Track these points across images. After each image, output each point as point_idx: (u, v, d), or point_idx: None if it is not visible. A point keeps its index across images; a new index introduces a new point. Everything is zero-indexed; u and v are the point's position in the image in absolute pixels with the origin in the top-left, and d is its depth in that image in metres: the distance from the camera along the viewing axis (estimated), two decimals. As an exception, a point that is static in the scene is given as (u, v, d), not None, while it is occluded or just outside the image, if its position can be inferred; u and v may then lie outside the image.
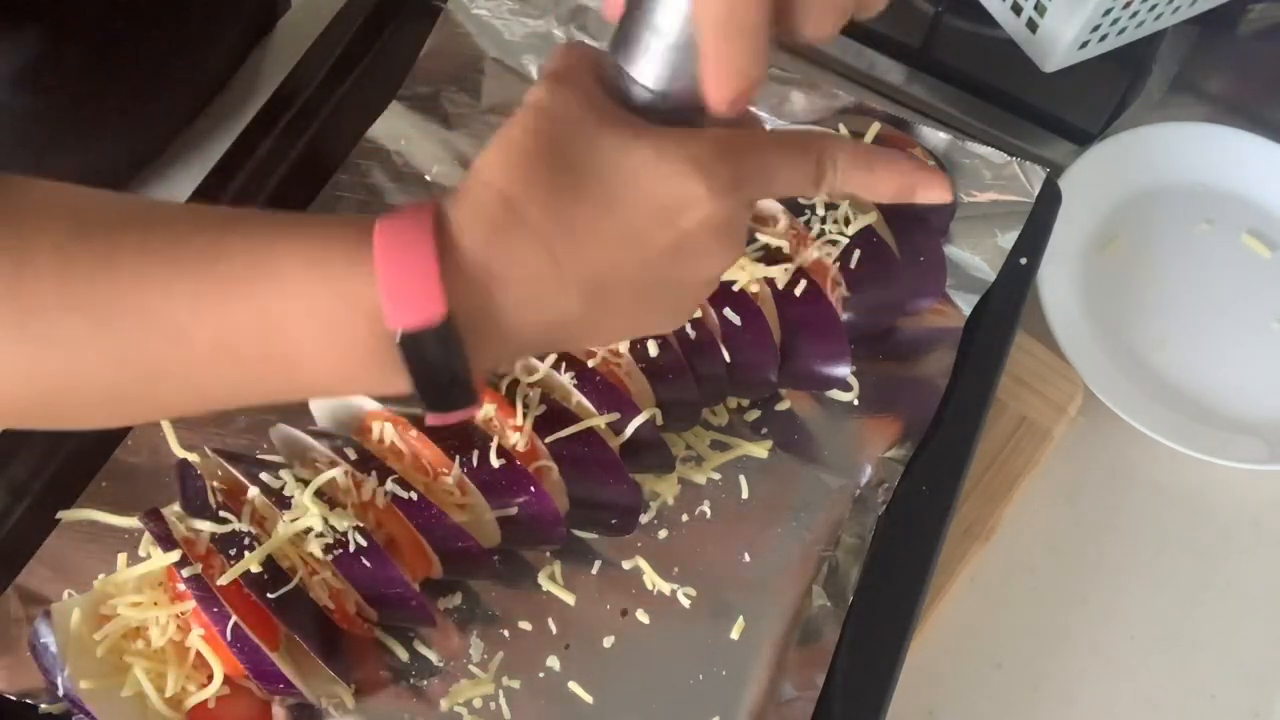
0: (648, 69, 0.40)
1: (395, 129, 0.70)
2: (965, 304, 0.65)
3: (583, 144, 0.38)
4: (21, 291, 0.36)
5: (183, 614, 0.52)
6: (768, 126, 0.70)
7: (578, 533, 0.59)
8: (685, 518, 0.61)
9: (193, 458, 0.57)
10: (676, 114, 0.40)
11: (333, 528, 0.52)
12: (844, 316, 0.62)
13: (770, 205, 0.62)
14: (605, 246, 0.38)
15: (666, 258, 0.39)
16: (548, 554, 0.59)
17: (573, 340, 0.44)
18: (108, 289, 0.36)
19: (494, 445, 0.54)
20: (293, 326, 0.37)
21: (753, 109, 0.44)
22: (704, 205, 0.38)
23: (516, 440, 0.55)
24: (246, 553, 0.51)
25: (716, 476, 0.62)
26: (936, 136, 0.68)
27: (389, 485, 0.53)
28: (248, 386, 0.39)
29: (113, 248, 0.37)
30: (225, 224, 0.38)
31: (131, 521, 0.57)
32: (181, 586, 0.51)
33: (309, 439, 0.56)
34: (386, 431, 0.55)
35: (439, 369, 0.37)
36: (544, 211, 0.37)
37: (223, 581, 0.50)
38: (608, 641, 0.58)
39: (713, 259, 0.41)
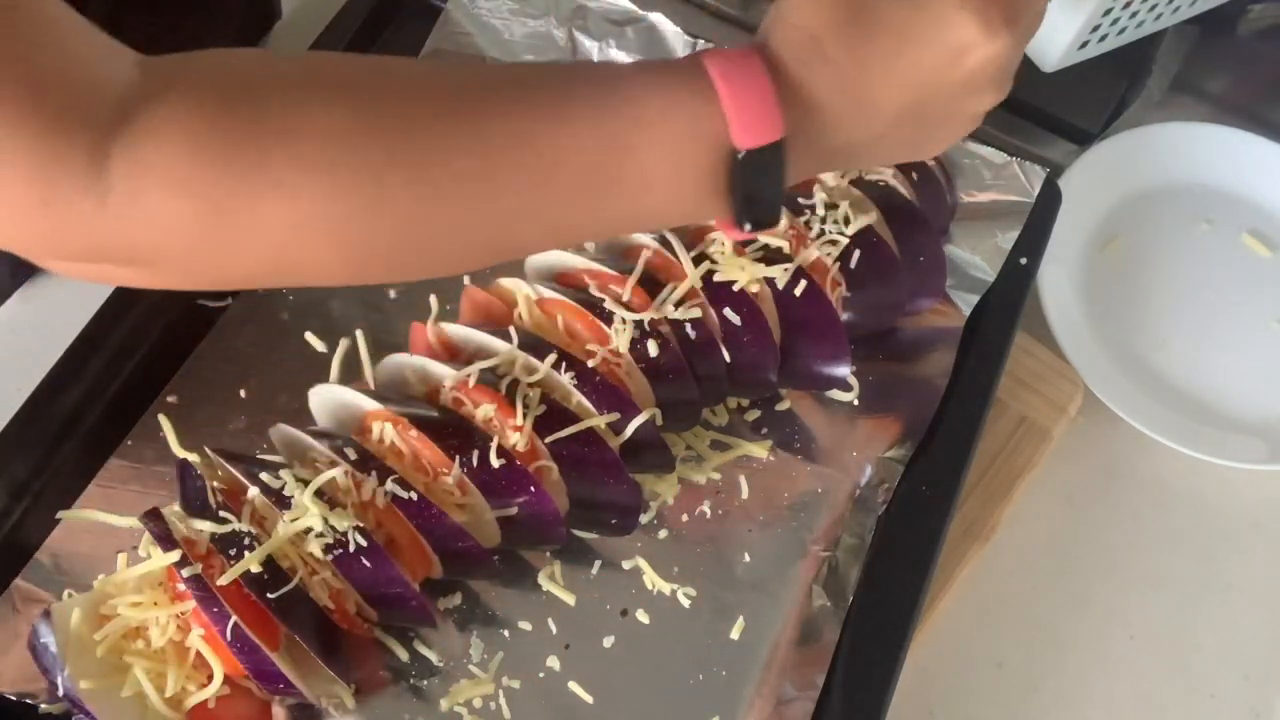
0: None
1: (395, 129, 0.70)
2: (965, 304, 0.65)
3: None
4: (415, 137, 0.39)
5: (183, 614, 0.52)
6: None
7: (578, 533, 0.59)
8: (685, 518, 0.61)
9: (193, 458, 0.57)
10: None
11: (333, 528, 0.52)
12: (844, 316, 0.62)
13: (770, 205, 0.62)
14: (897, 83, 0.43)
15: (950, 93, 0.44)
16: (548, 554, 0.59)
17: (859, 159, 0.48)
18: (489, 131, 0.40)
19: (494, 445, 0.54)
20: (646, 150, 0.42)
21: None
22: (984, 47, 0.42)
23: (516, 440, 0.55)
24: (246, 553, 0.51)
25: (716, 476, 0.62)
26: (936, 136, 0.68)
27: (389, 485, 0.53)
28: (600, 212, 0.43)
29: (479, 96, 0.41)
30: (563, 70, 0.44)
31: (131, 521, 0.57)
32: (181, 586, 0.51)
33: (309, 439, 0.56)
34: (386, 431, 0.55)
35: (765, 187, 0.43)
36: (845, 50, 0.42)
37: (223, 581, 0.50)
38: (608, 641, 0.58)
39: (989, 95, 0.45)
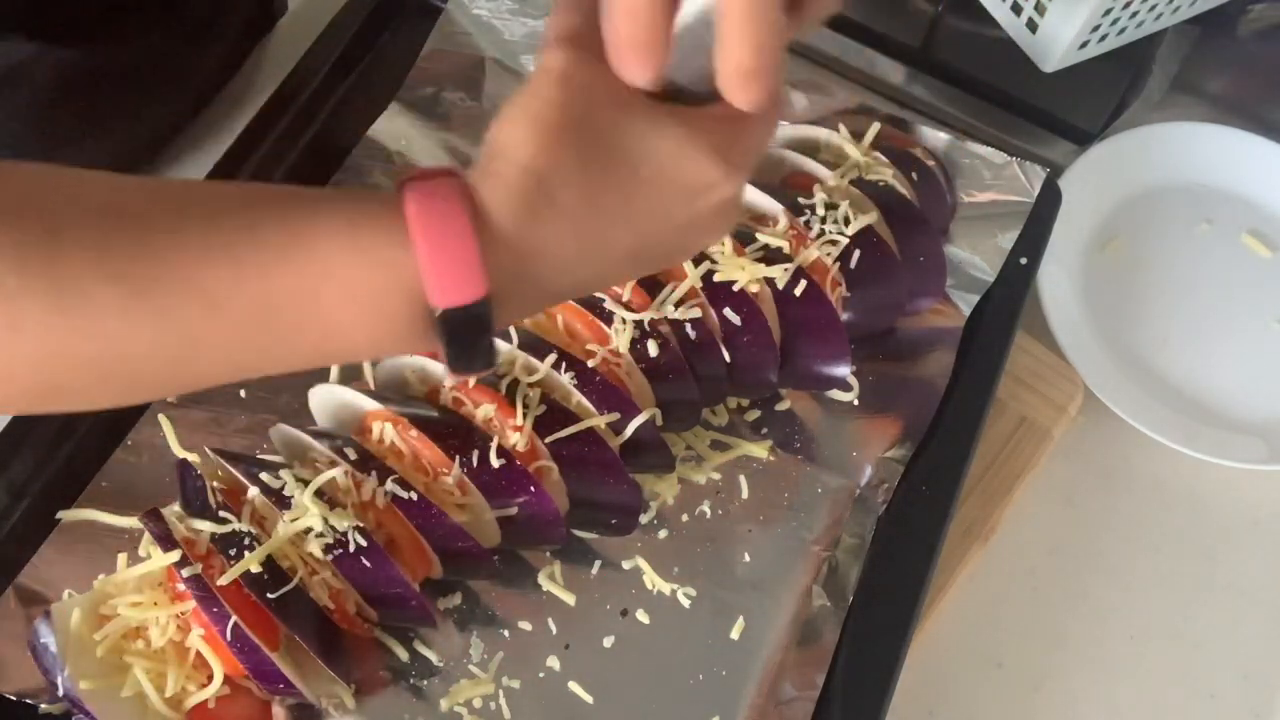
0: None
1: (395, 129, 0.70)
2: (965, 304, 0.65)
3: (609, 122, 0.39)
4: (58, 262, 0.35)
5: (183, 614, 0.52)
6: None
7: (578, 533, 0.59)
8: (685, 518, 0.61)
9: (193, 458, 0.57)
10: (681, 97, 0.40)
11: (333, 528, 0.52)
12: (844, 316, 0.62)
13: (770, 205, 0.62)
14: (633, 226, 0.40)
15: (680, 233, 0.41)
16: (548, 554, 0.59)
17: (578, 294, 0.45)
18: (146, 259, 0.36)
19: (494, 445, 0.54)
20: (329, 297, 0.37)
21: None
22: (721, 188, 0.40)
23: (516, 440, 0.55)
24: (246, 553, 0.51)
25: (716, 476, 0.62)
26: (936, 136, 0.68)
27: (389, 485, 0.53)
28: (282, 355, 0.39)
29: (149, 221, 0.37)
30: (260, 198, 0.38)
31: (131, 521, 0.57)
32: (181, 586, 0.51)
33: (309, 439, 0.56)
34: (386, 431, 0.55)
35: (472, 338, 0.39)
36: (575, 192, 0.38)
37: (223, 581, 0.50)
38: (608, 641, 0.58)
39: (716, 233, 0.43)
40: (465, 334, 0.38)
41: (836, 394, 0.63)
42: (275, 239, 0.37)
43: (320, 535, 0.52)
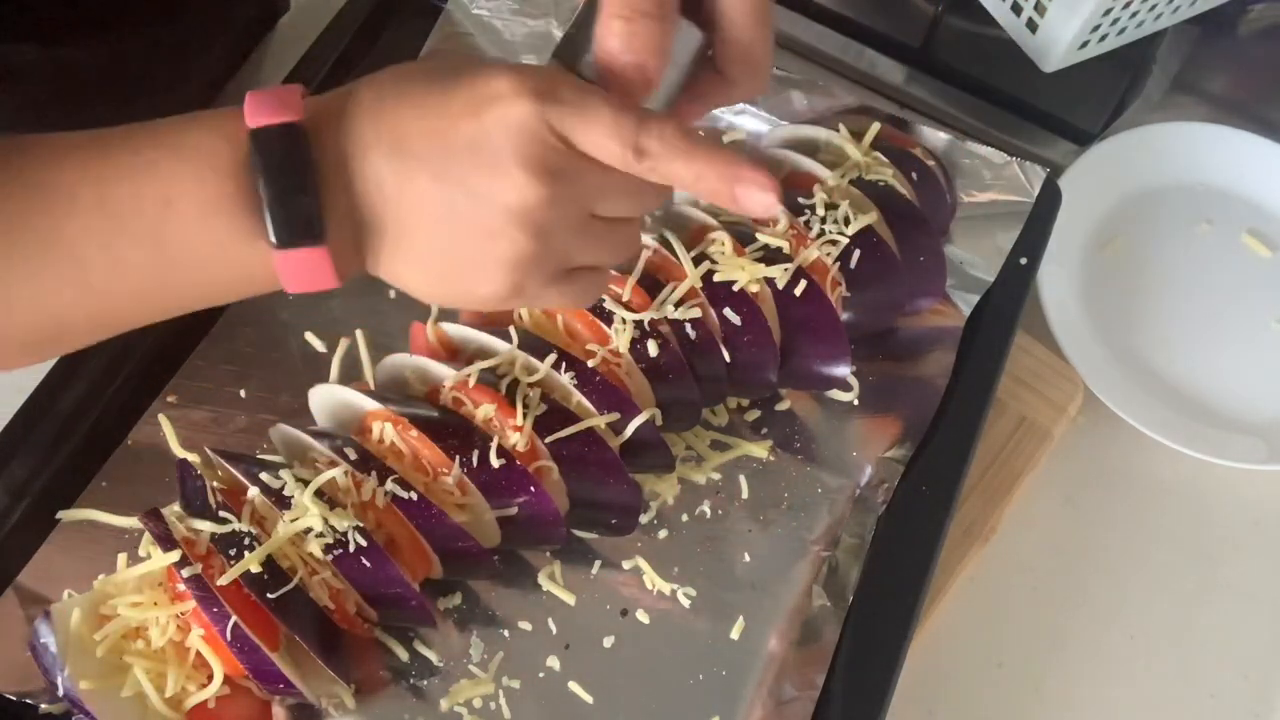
0: (572, 55, 0.44)
1: (395, 129, 0.70)
2: (965, 304, 0.65)
3: (466, 61, 0.43)
4: None
5: (183, 614, 0.52)
6: (768, 128, 0.70)
7: (578, 533, 0.59)
8: (685, 518, 0.61)
9: (193, 458, 0.57)
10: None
11: (333, 528, 0.52)
12: (844, 316, 0.62)
13: (770, 205, 0.62)
14: (417, 117, 0.41)
15: (462, 149, 0.41)
16: (548, 554, 0.59)
17: (389, 257, 0.44)
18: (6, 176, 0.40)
19: (494, 445, 0.54)
20: (165, 162, 0.41)
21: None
22: (505, 102, 0.40)
23: (516, 440, 0.55)
24: (246, 553, 0.51)
25: (716, 476, 0.62)
26: (936, 136, 0.68)
27: (389, 485, 0.53)
28: (124, 257, 0.42)
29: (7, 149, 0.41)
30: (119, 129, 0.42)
31: (131, 521, 0.57)
32: (181, 586, 0.51)
33: (309, 439, 0.56)
34: (386, 431, 0.55)
35: (289, 183, 0.40)
36: (394, 92, 0.42)
37: (223, 581, 0.50)
38: (608, 641, 0.58)
39: (502, 170, 0.41)
40: (284, 174, 0.40)
41: (836, 394, 0.63)
42: (118, 136, 0.42)
43: (320, 535, 0.52)
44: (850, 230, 0.61)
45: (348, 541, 0.52)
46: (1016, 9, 0.75)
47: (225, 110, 0.42)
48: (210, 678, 0.52)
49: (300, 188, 0.41)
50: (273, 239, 0.41)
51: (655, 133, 0.41)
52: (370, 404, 0.56)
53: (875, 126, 0.66)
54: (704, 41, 0.45)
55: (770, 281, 0.60)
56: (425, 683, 0.56)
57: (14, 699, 0.54)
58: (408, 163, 0.41)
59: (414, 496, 0.53)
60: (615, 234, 0.45)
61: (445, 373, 0.57)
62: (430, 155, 0.41)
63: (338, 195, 0.42)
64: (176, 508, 0.54)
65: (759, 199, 0.43)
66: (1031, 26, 0.74)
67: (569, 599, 0.58)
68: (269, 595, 0.51)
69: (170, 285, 0.43)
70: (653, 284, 0.59)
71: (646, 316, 0.58)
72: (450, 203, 0.41)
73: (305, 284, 0.43)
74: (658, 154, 0.41)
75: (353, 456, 0.54)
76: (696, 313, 0.58)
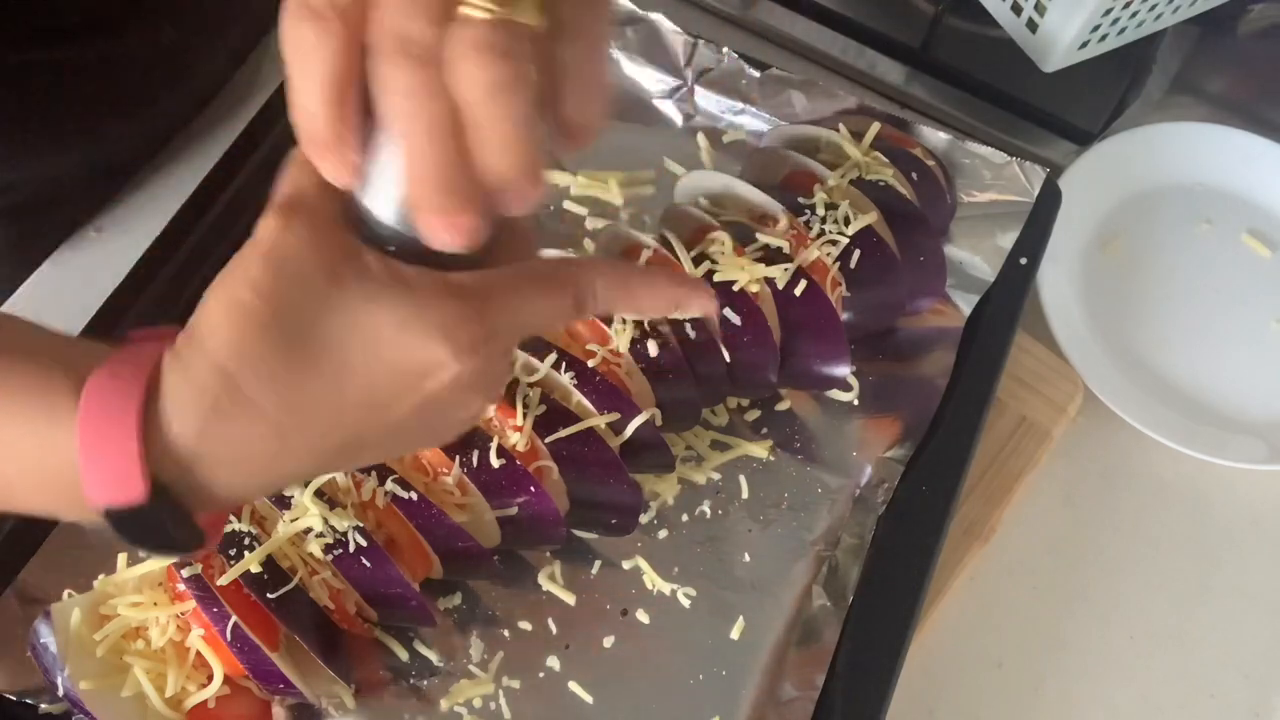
0: (378, 199, 0.36)
1: (395, 129, 0.70)
2: (965, 304, 0.65)
3: (315, 307, 0.35)
4: None
5: (183, 614, 0.52)
6: (768, 128, 0.70)
7: (578, 533, 0.59)
8: (685, 518, 0.61)
9: (193, 458, 0.57)
10: (416, 250, 0.37)
11: (333, 528, 0.52)
12: (844, 316, 0.62)
13: (770, 205, 0.62)
14: (339, 418, 0.37)
15: (412, 417, 0.38)
16: (548, 554, 0.59)
17: (292, 484, 0.41)
18: None
19: (494, 445, 0.54)
20: (5, 461, 0.36)
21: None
22: (449, 368, 0.37)
23: (516, 440, 0.55)
24: (246, 553, 0.51)
25: (716, 476, 0.62)
26: (936, 136, 0.68)
27: (389, 485, 0.53)
28: None
29: None
30: None
31: (131, 521, 0.57)
32: (181, 586, 0.51)
33: (309, 439, 0.56)
34: (386, 431, 0.55)
35: (145, 535, 0.36)
36: (271, 391, 0.35)
37: (223, 581, 0.51)
38: (608, 641, 0.58)
39: (466, 409, 0.40)
40: (136, 531, 0.36)
41: (836, 394, 0.63)
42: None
43: (320, 535, 0.52)
44: (850, 230, 0.61)
45: (348, 541, 0.52)
46: (1016, 9, 0.75)
47: (66, 412, 0.35)
48: (210, 678, 0.52)
49: (177, 541, 0.36)
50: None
51: (590, 290, 0.40)
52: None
53: (875, 126, 0.66)
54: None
55: (770, 281, 0.60)
56: (425, 683, 0.56)
57: (14, 699, 0.54)
58: (345, 455, 0.38)
59: (414, 496, 0.53)
60: None
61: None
62: (372, 439, 0.38)
63: (216, 497, 0.37)
64: (176, 508, 0.54)
65: (700, 305, 0.44)
66: (1031, 26, 0.74)
67: (569, 599, 0.58)
68: (269, 595, 0.51)
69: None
70: (653, 284, 0.59)
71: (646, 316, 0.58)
72: (404, 444, 0.41)
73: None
74: (596, 308, 0.41)
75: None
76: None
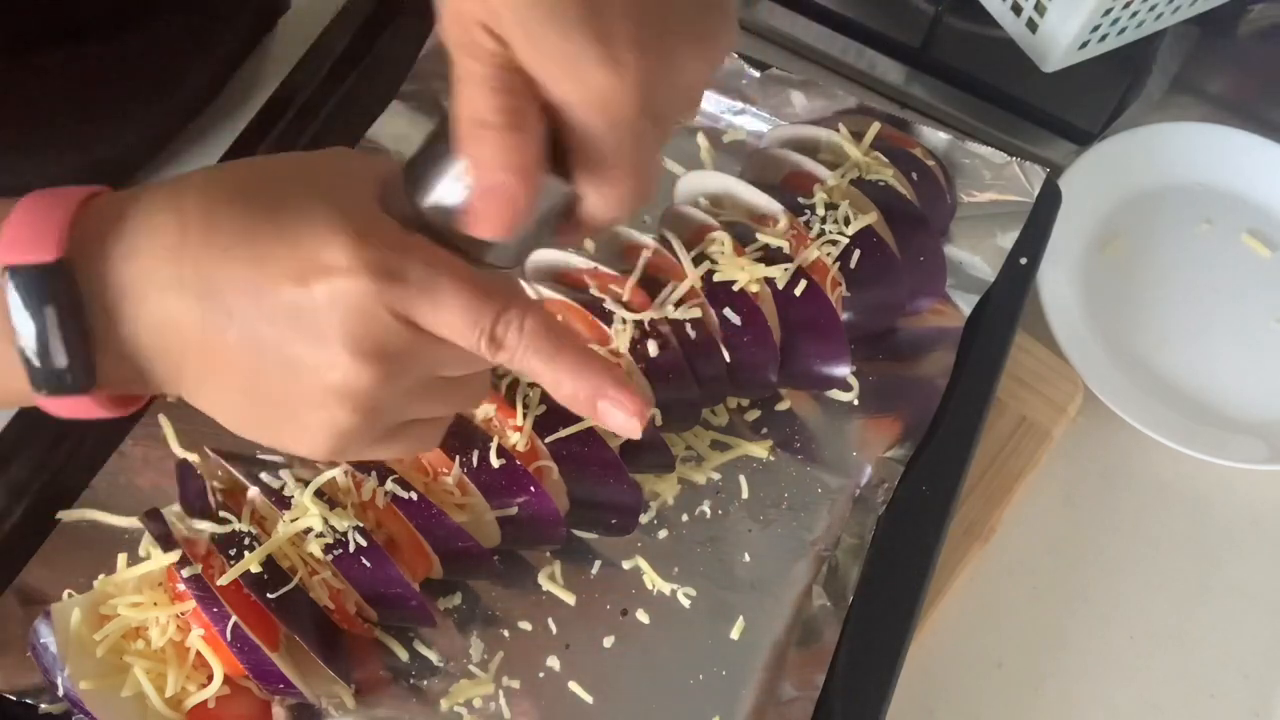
0: (423, 184, 0.38)
1: (395, 129, 0.70)
2: (965, 304, 0.65)
3: (287, 178, 0.37)
4: None
5: (183, 614, 0.52)
6: (768, 128, 0.70)
7: (578, 533, 0.59)
8: (685, 518, 0.61)
9: (193, 458, 0.57)
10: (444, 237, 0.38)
11: (333, 528, 0.52)
12: (844, 316, 0.62)
13: (770, 205, 0.62)
14: (231, 264, 0.36)
15: (282, 315, 0.37)
16: (548, 554, 0.59)
17: (192, 394, 0.40)
18: None
19: (494, 445, 0.54)
20: None
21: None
22: (339, 277, 0.36)
23: (516, 440, 0.55)
24: (246, 553, 0.51)
25: (716, 476, 0.62)
26: (936, 136, 0.68)
27: (389, 485, 0.53)
28: None
29: None
30: None
31: (131, 521, 0.57)
32: (181, 586, 0.51)
33: (309, 439, 0.56)
34: (386, 431, 0.55)
35: (40, 329, 0.36)
36: (201, 224, 0.37)
37: (223, 581, 0.50)
38: (608, 641, 0.58)
39: (326, 348, 0.37)
40: (35, 306, 0.35)
41: (836, 394, 0.63)
42: None
43: (320, 535, 0.52)
44: (850, 230, 0.61)
45: (348, 541, 0.52)
46: (1016, 9, 0.75)
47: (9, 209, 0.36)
48: (210, 678, 0.52)
49: (61, 338, 0.36)
50: (30, 388, 0.37)
51: (515, 325, 0.38)
52: (370, 404, 0.56)
53: (875, 126, 0.66)
54: (569, 194, 0.39)
55: (770, 281, 0.60)
56: (425, 683, 0.56)
57: (14, 699, 0.54)
58: (213, 315, 0.37)
59: (414, 496, 0.53)
60: (459, 390, 0.42)
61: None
62: (243, 312, 0.37)
63: (119, 332, 0.37)
64: (176, 508, 0.54)
65: (620, 421, 0.41)
66: (1031, 26, 0.74)
67: (569, 599, 0.58)
68: (269, 595, 0.51)
69: None
70: (653, 284, 0.59)
71: (646, 316, 0.58)
72: (262, 368, 0.38)
73: (77, 415, 0.39)
74: (514, 349, 0.39)
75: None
76: (696, 313, 0.58)
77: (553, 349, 0.40)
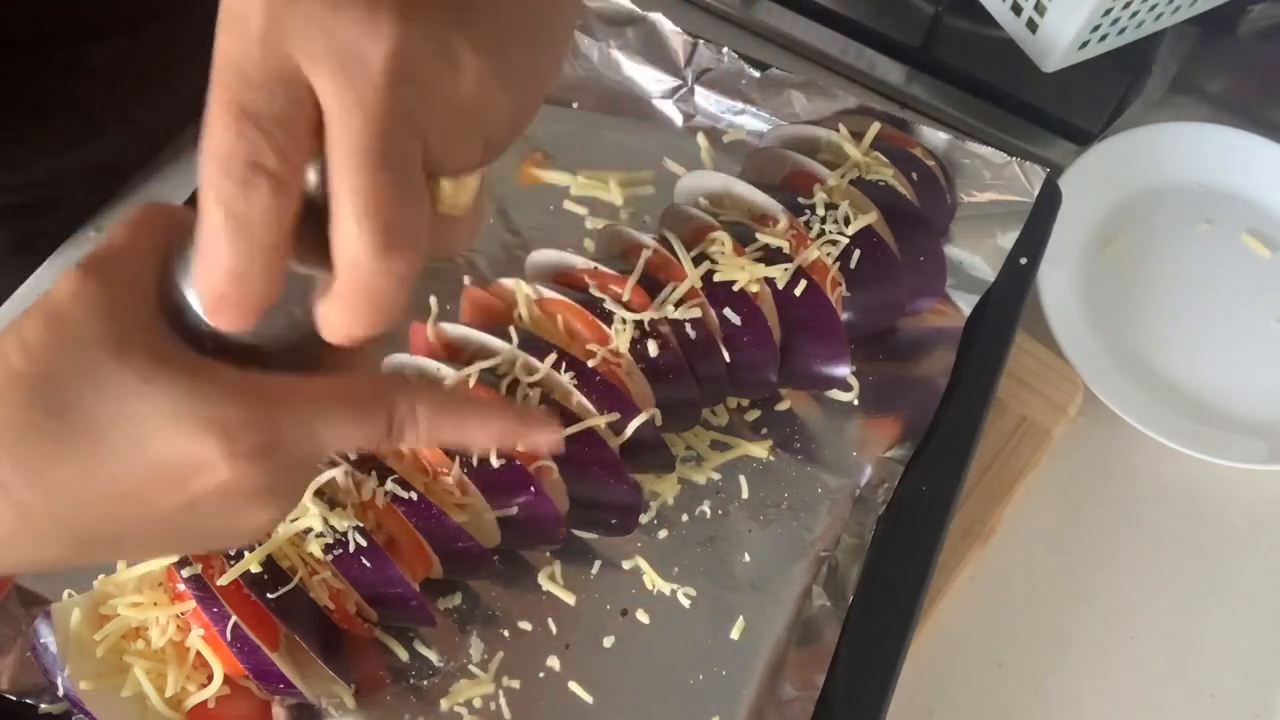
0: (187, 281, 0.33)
1: (395, 129, 0.70)
2: (965, 304, 0.65)
3: (85, 381, 0.32)
4: None
5: (183, 614, 0.52)
6: (768, 128, 0.70)
7: (578, 533, 0.59)
8: (685, 518, 0.61)
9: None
10: (230, 344, 0.34)
11: (333, 528, 0.52)
12: (844, 316, 0.62)
13: (770, 205, 0.62)
14: (94, 506, 0.33)
15: (180, 517, 0.34)
16: (548, 554, 0.59)
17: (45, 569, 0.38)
18: None
19: (494, 445, 0.54)
20: None
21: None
22: (219, 472, 0.33)
23: (516, 440, 0.55)
24: (246, 553, 0.51)
25: (716, 476, 0.62)
26: (936, 136, 0.68)
27: (389, 485, 0.53)
28: None
29: None
30: None
31: (131, 521, 0.57)
32: (181, 586, 0.51)
33: (309, 439, 0.56)
34: (386, 431, 0.55)
35: None
36: (16, 463, 0.32)
37: (222, 582, 0.50)
38: (608, 641, 0.58)
39: (248, 518, 0.36)
40: None
41: (836, 394, 0.63)
42: None
43: (320, 535, 0.52)
44: (850, 230, 0.61)
45: (348, 541, 0.52)
46: (1016, 9, 0.74)
47: None
48: (210, 678, 0.52)
49: None
50: None
51: (409, 417, 0.36)
52: (370, 404, 0.56)
53: (875, 126, 0.66)
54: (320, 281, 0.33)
55: (770, 281, 0.60)
56: (425, 683, 0.56)
57: (14, 699, 0.54)
58: (107, 546, 0.35)
59: (414, 496, 0.53)
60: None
61: (445, 373, 0.57)
62: (136, 534, 0.34)
63: None
64: (176, 508, 0.54)
65: (545, 439, 0.40)
66: (1031, 26, 0.74)
67: (569, 599, 0.58)
68: (269, 595, 0.51)
69: None
70: (653, 284, 0.59)
71: (646, 316, 0.57)
72: (180, 544, 0.37)
73: None
74: (418, 434, 0.37)
75: (353, 456, 0.54)
76: (696, 313, 0.58)
77: (456, 417, 0.38)
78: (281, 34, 0.29)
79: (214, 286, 0.31)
